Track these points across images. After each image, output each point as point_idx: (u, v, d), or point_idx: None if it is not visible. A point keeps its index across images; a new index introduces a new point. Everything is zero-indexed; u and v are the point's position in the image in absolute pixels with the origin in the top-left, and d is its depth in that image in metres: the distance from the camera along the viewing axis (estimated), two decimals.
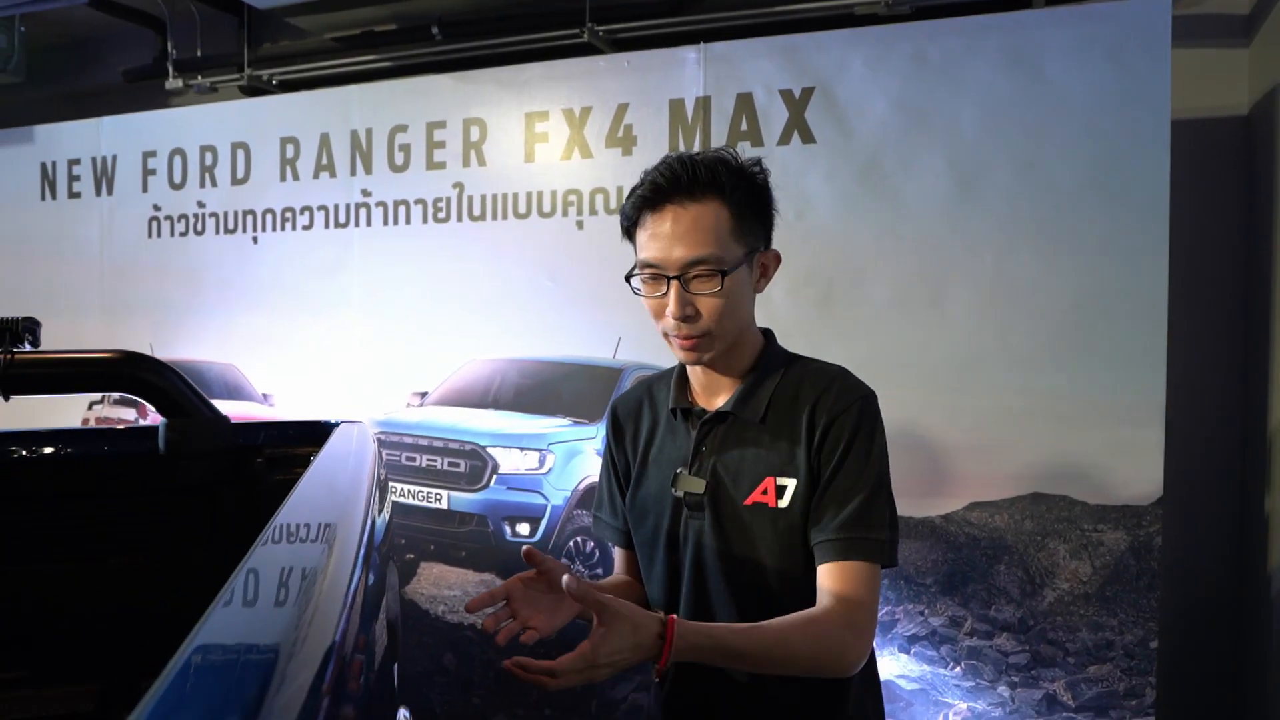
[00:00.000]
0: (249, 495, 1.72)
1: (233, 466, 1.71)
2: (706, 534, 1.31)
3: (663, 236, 1.24)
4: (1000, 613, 2.38)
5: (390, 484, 2.90)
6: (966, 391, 2.38)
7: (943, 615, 2.42)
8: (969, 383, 2.38)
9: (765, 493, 1.28)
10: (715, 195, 1.25)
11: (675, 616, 1.11)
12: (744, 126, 2.59)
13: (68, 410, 3.51)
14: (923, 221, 2.42)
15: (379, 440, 2.98)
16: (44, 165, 3.64)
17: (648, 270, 1.27)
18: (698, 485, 1.31)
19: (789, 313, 2.52)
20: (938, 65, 2.40)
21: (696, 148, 2.64)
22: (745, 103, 2.58)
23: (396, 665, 1.00)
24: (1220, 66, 2.58)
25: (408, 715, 1.07)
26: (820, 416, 1.27)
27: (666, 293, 1.25)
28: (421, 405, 3.01)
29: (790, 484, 1.26)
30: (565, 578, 1.08)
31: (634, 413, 1.46)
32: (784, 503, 1.26)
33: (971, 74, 2.37)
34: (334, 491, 1.07)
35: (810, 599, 1.24)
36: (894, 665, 2.45)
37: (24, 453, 1.77)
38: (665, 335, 1.30)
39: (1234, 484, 2.59)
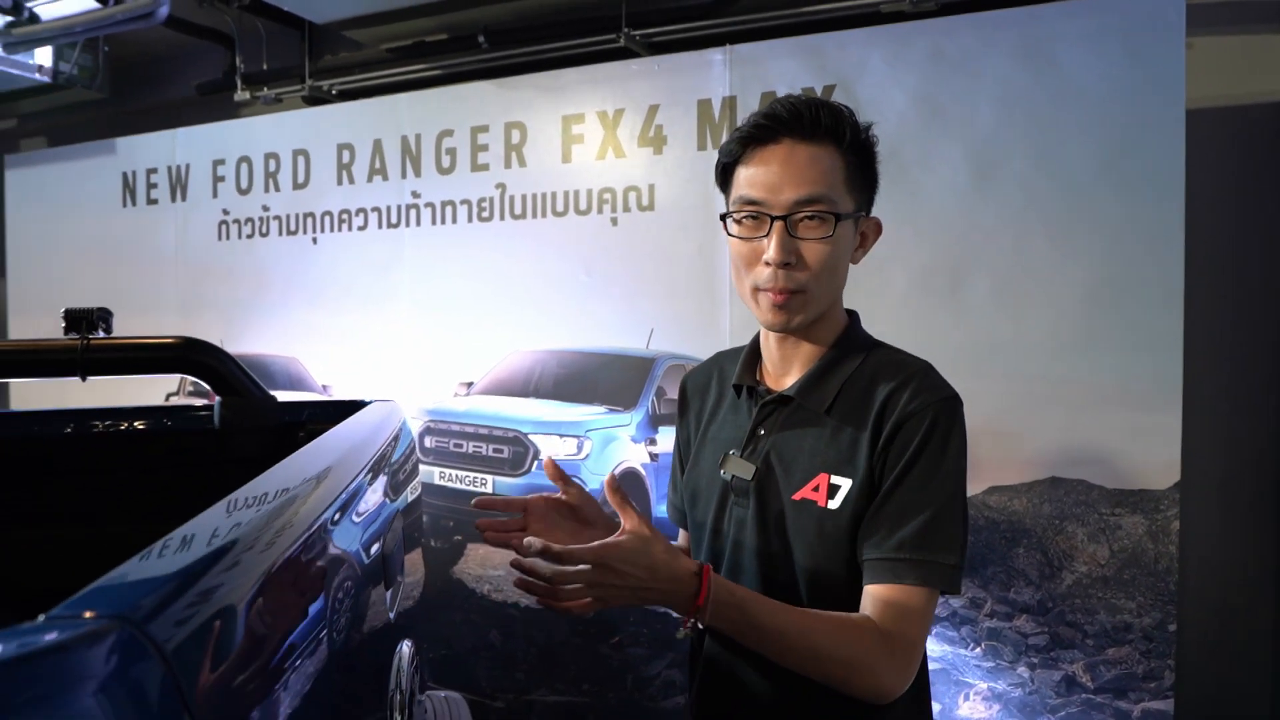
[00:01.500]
0: None
1: (279, 440, 1.87)
2: (748, 524, 1.19)
3: (773, 173, 1.11)
4: (1019, 595, 2.43)
5: (436, 467, 3.06)
6: (984, 378, 2.44)
7: (963, 597, 2.48)
8: (987, 369, 2.43)
9: (817, 490, 1.14)
10: (833, 142, 1.13)
11: (709, 567, 1.02)
12: None
13: (146, 401, 3.75)
14: (940, 212, 2.48)
15: (430, 426, 3.14)
16: (125, 175, 3.91)
17: (749, 208, 1.13)
18: (746, 470, 1.19)
19: None
20: (954, 60, 2.46)
21: None
22: (769, 101, 2.68)
23: (392, 594, 1.12)
24: (1261, 52, 2.57)
25: (410, 648, 1.19)
26: (890, 415, 1.12)
27: (767, 234, 1.12)
28: (468, 394, 3.17)
29: (845, 485, 1.12)
30: (605, 478, 1.04)
31: (702, 387, 1.36)
32: (835, 504, 1.12)
33: (988, 67, 2.43)
34: (341, 441, 1.21)
35: (847, 610, 1.10)
36: None
37: (101, 427, 1.96)
38: (754, 292, 1.16)
39: (1252, 468, 2.59)
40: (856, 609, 1.10)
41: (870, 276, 2.56)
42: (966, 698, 2.47)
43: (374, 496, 1.09)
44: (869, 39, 2.57)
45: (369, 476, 1.08)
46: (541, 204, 3.03)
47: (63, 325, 1.74)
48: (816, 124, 1.12)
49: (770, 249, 1.10)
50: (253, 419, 1.83)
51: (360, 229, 3.37)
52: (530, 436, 3.03)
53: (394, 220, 3.30)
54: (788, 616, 1.04)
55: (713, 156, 2.85)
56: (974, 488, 2.46)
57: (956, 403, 1.14)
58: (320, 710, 0.68)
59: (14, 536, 1.79)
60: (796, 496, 1.15)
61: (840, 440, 1.14)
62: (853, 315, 1.26)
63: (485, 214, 3.13)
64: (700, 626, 1.03)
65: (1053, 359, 2.38)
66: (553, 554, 0.95)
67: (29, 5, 3.72)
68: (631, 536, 0.98)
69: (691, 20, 2.99)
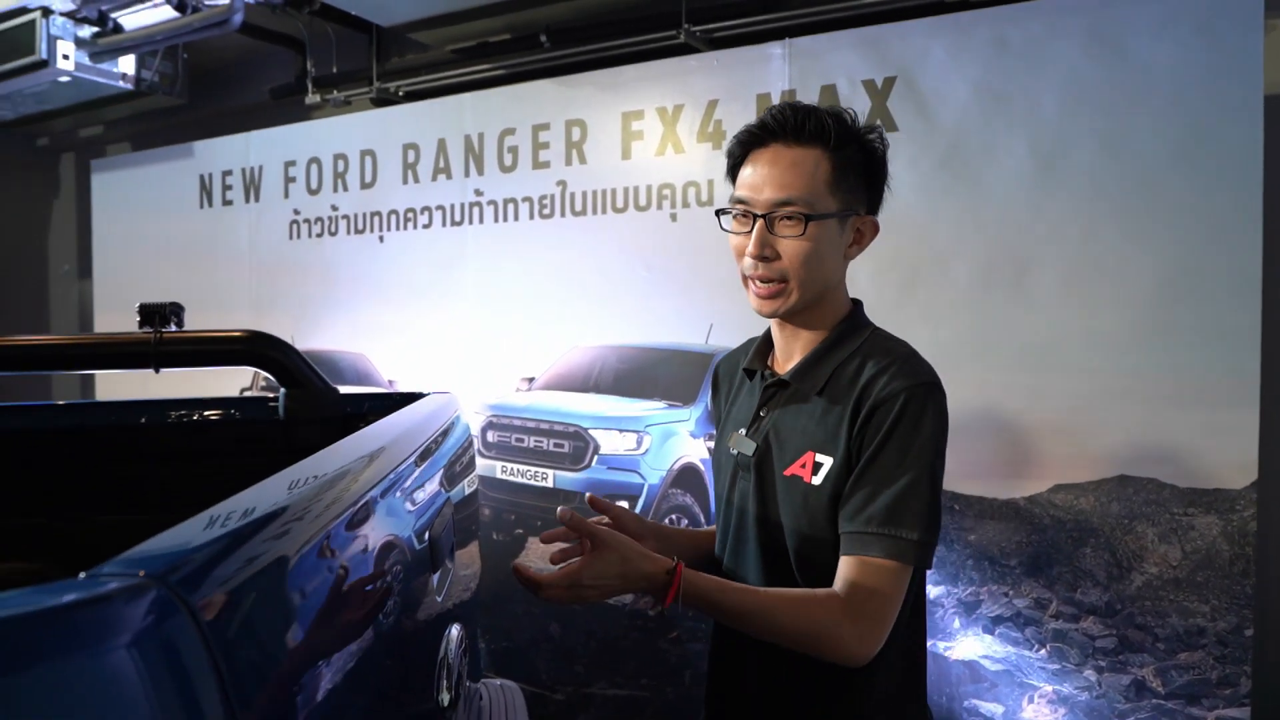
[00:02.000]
0: None
1: (341, 431, 1.92)
2: (750, 496, 1.31)
3: (759, 175, 1.24)
4: (1086, 596, 2.37)
5: (499, 461, 3.10)
6: (1050, 372, 2.38)
7: (1027, 597, 2.43)
8: (1052, 364, 2.38)
9: (804, 466, 1.24)
10: (819, 145, 1.23)
11: (682, 564, 1.14)
12: None
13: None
14: (1004, 204, 2.43)
15: (492, 421, 3.19)
16: (201, 177, 4.05)
17: (738, 206, 1.26)
18: (748, 447, 1.31)
19: (873, 297, 2.56)
20: (1018, 49, 2.41)
21: None
22: (829, 94, 2.66)
23: (440, 578, 1.14)
24: None
25: (459, 632, 1.22)
26: (869, 396, 1.21)
27: (751, 230, 1.25)
28: (529, 389, 3.21)
29: (828, 463, 1.22)
30: (560, 509, 1.14)
31: (731, 371, 1.49)
32: (817, 480, 1.22)
33: (1053, 56, 2.37)
34: (392, 428, 1.24)
35: (833, 579, 1.20)
36: (978, 646, 2.47)
37: (174, 417, 2.04)
38: (745, 281, 1.29)
39: None
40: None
41: (931, 270, 2.53)
42: (1031, 700, 2.42)
43: (422, 481, 1.11)
44: (931, 29, 2.53)
45: (417, 461, 1.11)
46: (601, 200, 3.06)
47: (138, 320, 1.80)
48: (801, 129, 1.22)
49: (750, 243, 1.24)
50: (316, 410, 1.87)
51: (425, 227, 3.43)
52: (590, 431, 3.05)
53: (457, 218, 3.36)
54: (752, 599, 1.16)
55: None
56: (1038, 485, 2.41)
57: (933, 388, 1.22)
58: (359, 681, 0.70)
59: (96, 521, 1.87)
60: (787, 472, 1.26)
61: (827, 421, 1.24)
62: (856, 304, 1.36)
63: (546, 211, 3.17)
64: (671, 610, 1.15)
65: (1122, 353, 2.32)
66: (529, 585, 1.13)
67: (113, 16, 3.87)
68: (595, 556, 1.11)
69: (751, 15, 2.98)
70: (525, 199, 3.20)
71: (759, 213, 1.23)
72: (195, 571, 0.49)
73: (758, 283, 1.26)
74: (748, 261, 1.26)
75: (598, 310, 3.08)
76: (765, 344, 1.40)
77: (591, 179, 3.07)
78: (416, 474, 1.08)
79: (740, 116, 2.80)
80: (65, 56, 3.80)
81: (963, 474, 2.48)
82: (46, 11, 3.77)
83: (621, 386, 3.05)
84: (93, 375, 4.58)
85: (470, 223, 3.32)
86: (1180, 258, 2.26)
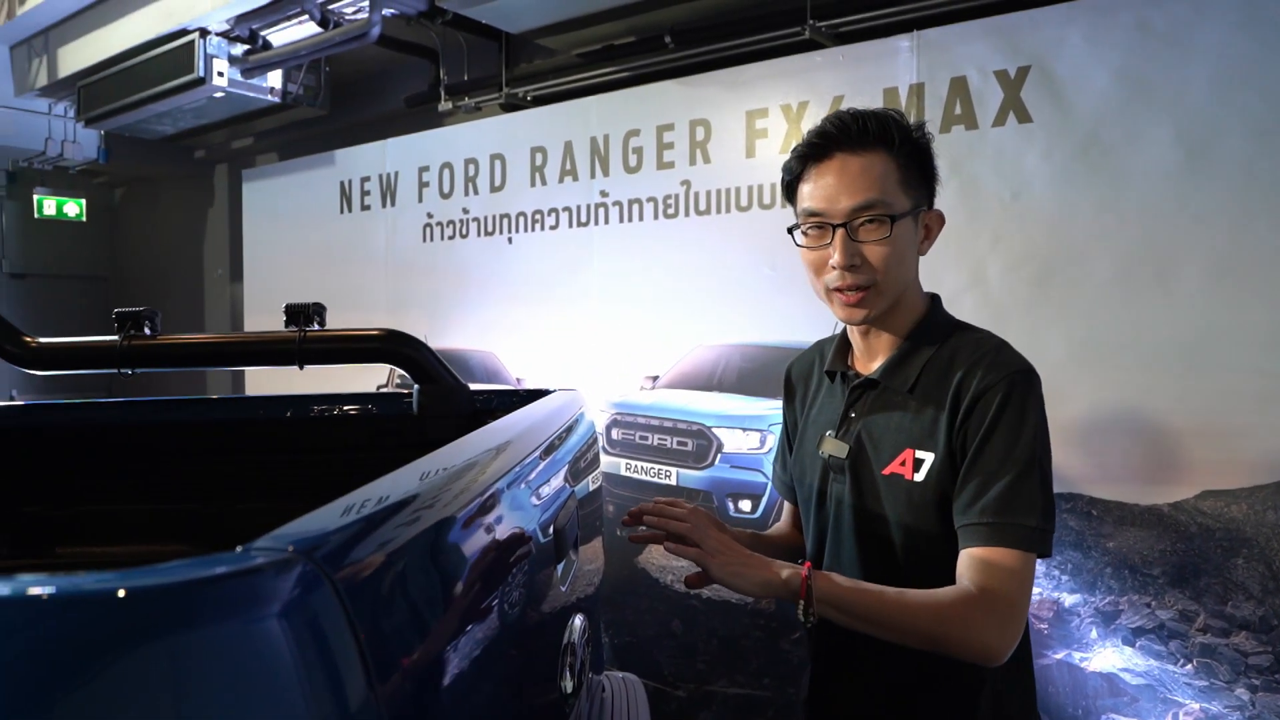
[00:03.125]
0: None
1: (471, 425, 1.99)
2: (846, 498, 1.30)
3: (829, 185, 1.22)
4: (1238, 609, 2.23)
5: (623, 459, 3.14)
6: (1196, 373, 2.26)
7: (1171, 609, 2.31)
8: (1199, 363, 2.26)
9: (903, 464, 1.24)
10: (882, 148, 1.23)
11: (810, 563, 1.13)
12: (958, 110, 2.60)
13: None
14: (1147, 195, 2.32)
15: (617, 419, 3.24)
16: (342, 184, 4.25)
17: (812, 220, 1.24)
18: (841, 449, 1.31)
19: (1004, 293, 2.50)
20: (1163, 33, 2.30)
21: None
22: (959, 86, 2.59)
23: (565, 569, 1.18)
24: None
25: (583, 621, 1.25)
26: (967, 389, 1.20)
27: (830, 243, 1.23)
28: (653, 388, 3.24)
29: (929, 458, 1.21)
30: (665, 545, 1.16)
31: (805, 374, 1.49)
32: (920, 476, 1.22)
33: (1201, 39, 2.25)
34: (518, 423, 1.28)
35: (941, 575, 1.19)
36: (1117, 658, 2.37)
37: (315, 412, 2.15)
38: (827, 292, 1.27)
39: None
40: (947, 570, 1.18)
41: (1068, 266, 2.43)
42: (1175, 717, 2.30)
43: (547, 475, 1.15)
44: (1067, 15, 2.44)
45: (542, 455, 1.14)
46: (726, 200, 3.06)
47: (283, 320, 1.91)
48: (865, 134, 1.23)
49: (835, 254, 1.22)
50: (447, 405, 1.94)
51: (552, 228, 3.51)
52: (714, 430, 3.06)
53: (583, 219, 3.42)
54: (883, 600, 1.13)
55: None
56: (1184, 491, 2.29)
57: (1031, 375, 1.22)
58: (487, 659, 0.73)
59: (243, 508, 1.99)
60: (886, 471, 1.25)
61: (923, 418, 1.23)
62: (934, 299, 1.35)
63: (671, 211, 3.19)
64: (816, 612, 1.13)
65: (1276, 353, 2.17)
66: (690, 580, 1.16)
67: (262, 34, 4.11)
68: (713, 555, 1.14)
69: (877, 8, 2.93)
70: (650, 199, 3.24)
71: (837, 222, 1.22)
72: (338, 548, 0.53)
73: (847, 292, 1.24)
74: (833, 275, 1.24)
75: (721, 309, 3.08)
76: (844, 345, 1.39)
77: (716, 178, 3.08)
78: (541, 468, 1.11)
79: None
80: (220, 74, 4.06)
81: (1101, 478, 2.38)
82: (204, 32, 4.03)
83: (745, 385, 3.04)
84: (243, 371, 4.87)
85: (596, 223, 3.38)
86: None
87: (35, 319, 6.11)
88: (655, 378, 3.24)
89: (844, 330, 1.40)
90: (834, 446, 1.32)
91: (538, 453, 1.07)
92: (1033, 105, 2.48)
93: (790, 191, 1.32)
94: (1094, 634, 2.40)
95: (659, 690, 3.12)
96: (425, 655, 0.59)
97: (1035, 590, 2.57)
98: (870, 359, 1.34)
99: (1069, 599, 2.41)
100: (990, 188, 2.54)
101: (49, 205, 6.21)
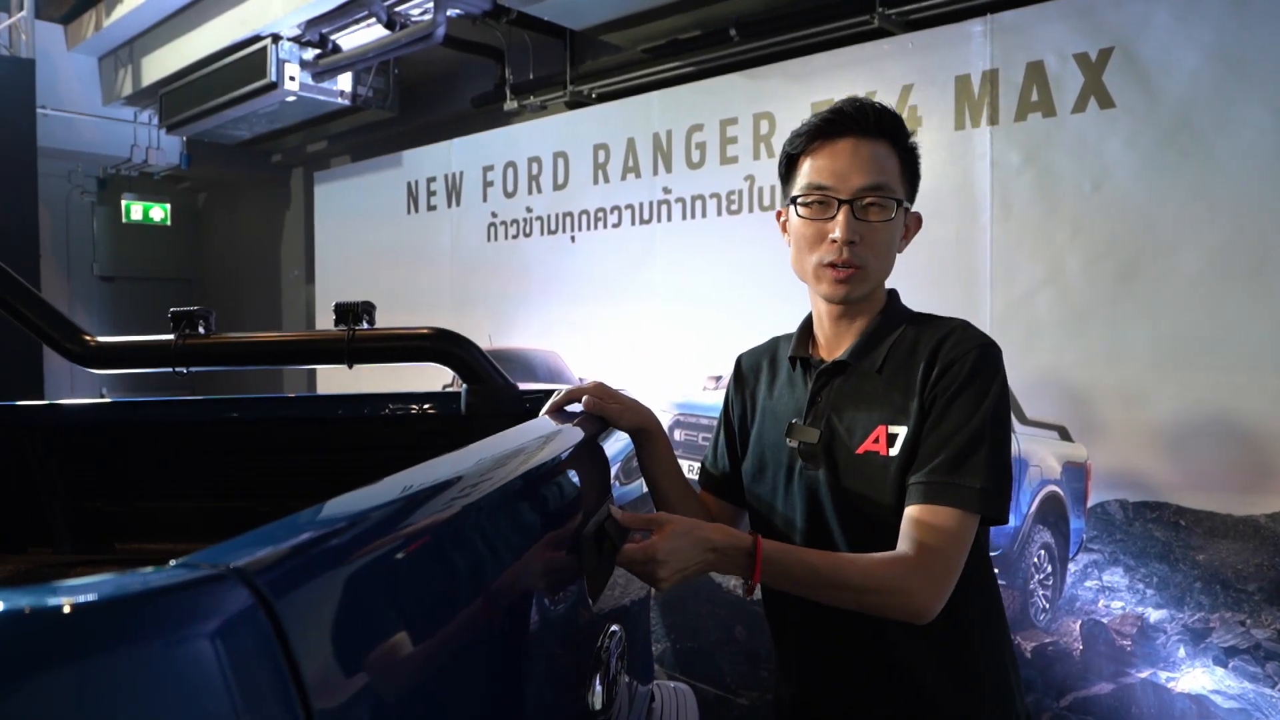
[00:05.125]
0: None
1: (518, 424, 1.95)
2: (822, 484, 1.30)
3: (841, 163, 1.26)
4: None
5: (684, 460, 3.08)
6: None
7: (1269, 628, 2.15)
8: None
9: (877, 441, 1.26)
10: (887, 139, 1.28)
11: (760, 536, 1.14)
12: (1034, 97, 2.46)
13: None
14: (1241, 184, 2.17)
15: (679, 419, 3.17)
16: (409, 184, 4.27)
17: (817, 193, 1.26)
18: (811, 435, 1.30)
19: (1085, 288, 2.36)
20: (1261, 8, 2.14)
21: (984, 124, 2.55)
22: (1036, 71, 2.46)
23: (596, 580, 1.12)
24: None
25: (619, 631, 1.19)
26: (936, 363, 1.24)
27: (833, 217, 1.25)
28: (716, 388, 3.16)
29: (902, 432, 1.24)
30: (611, 509, 1.14)
31: (757, 365, 1.48)
32: (895, 451, 1.24)
33: None
34: (546, 424, 1.23)
35: None
36: (1207, 679, 2.21)
37: (365, 410, 2.14)
38: (816, 268, 1.28)
39: None
40: None
41: (1153, 259, 2.29)
42: None
43: (575, 477, 1.09)
44: None
45: (571, 457, 1.09)
46: None
47: (333, 319, 1.90)
48: (880, 123, 1.27)
49: (837, 230, 1.24)
50: (496, 405, 1.91)
51: (614, 226, 3.46)
52: None
53: (646, 216, 3.36)
54: (821, 560, 1.16)
55: (972, 136, 2.66)
56: (1273, 504, 2.13)
57: (994, 348, 1.26)
58: (453, 686, 0.68)
59: (292, 505, 1.98)
60: (860, 450, 1.26)
61: (893, 394, 1.26)
62: (892, 293, 1.38)
63: (734, 207, 3.11)
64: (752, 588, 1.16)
65: None
66: (618, 561, 1.12)
67: (332, 38, 4.16)
68: (663, 535, 1.12)
69: None
70: (713, 195, 3.16)
71: (844, 198, 1.25)
72: (277, 565, 0.48)
73: (840, 268, 1.26)
74: (829, 249, 1.26)
75: (786, 306, 2.97)
76: (805, 333, 1.40)
77: None
78: (565, 471, 1.06)
79: (937, 101, 2.65)
80: (291, 78, 4.12)
81: (1190, 486, 2.23)
82: (276, 38, 4.09)
83: None
84: (314, 370, 4.94)
85: (658, 220, 3.32)
86: None
87: (124, 320, 6.32)
88: (718, 377, 3.16)
89: (806, 319, 1.42)
90: (804, 433, 1.32)
91: (536, 463, 1.01)
92: (1115, 89, 2.34)
93: (789, 166, 1.33)
94: (1182, 652, 2.25)
95: (721, 698, 3.04)
96: (376, 682, 0.54)
97: (1118, 604, 2.43)
98: (835, 346, 1.35)
99: (1155, 614, 2.27)
100: (1069, 178, 2.41)
101: (136, 210, 6.42)
